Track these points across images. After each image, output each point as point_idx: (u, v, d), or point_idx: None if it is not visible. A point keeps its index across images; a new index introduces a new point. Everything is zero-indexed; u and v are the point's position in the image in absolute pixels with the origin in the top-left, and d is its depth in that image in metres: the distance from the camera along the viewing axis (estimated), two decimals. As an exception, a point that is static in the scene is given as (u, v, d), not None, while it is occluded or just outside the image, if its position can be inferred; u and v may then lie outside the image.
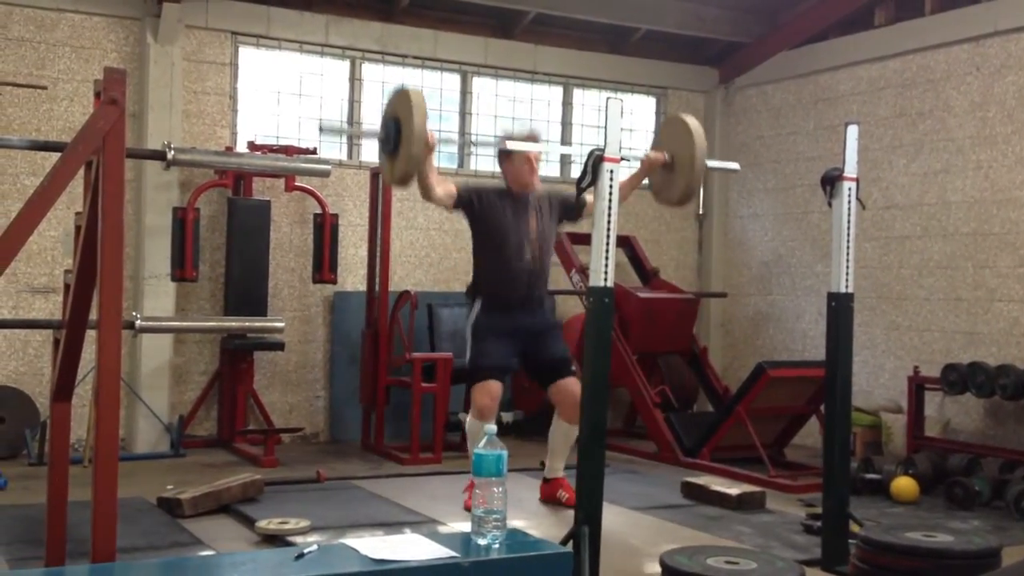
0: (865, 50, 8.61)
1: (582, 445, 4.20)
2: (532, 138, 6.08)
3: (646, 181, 5.77)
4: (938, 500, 6.43)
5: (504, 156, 5.89)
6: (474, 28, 8.99)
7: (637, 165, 5.55)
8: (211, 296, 7.97)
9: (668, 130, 5.51)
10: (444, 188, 5.71)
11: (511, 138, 5.95)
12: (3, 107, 7.37)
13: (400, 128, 5.05)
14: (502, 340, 5.75)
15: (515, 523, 4.98)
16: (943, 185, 8.00)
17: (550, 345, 5.91)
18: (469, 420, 5.85)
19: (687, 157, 5.23)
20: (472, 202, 5.77)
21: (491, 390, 5.67)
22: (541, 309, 5.95)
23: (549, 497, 6.06)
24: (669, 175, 5.35)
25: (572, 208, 5.87)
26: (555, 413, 5.97)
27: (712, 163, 5.70)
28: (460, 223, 8.78)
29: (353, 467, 7.18)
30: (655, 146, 5.55)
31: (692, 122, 5.24)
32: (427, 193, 5.59)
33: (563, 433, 5.92)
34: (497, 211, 5.77)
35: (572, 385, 5.77)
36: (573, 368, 5.87)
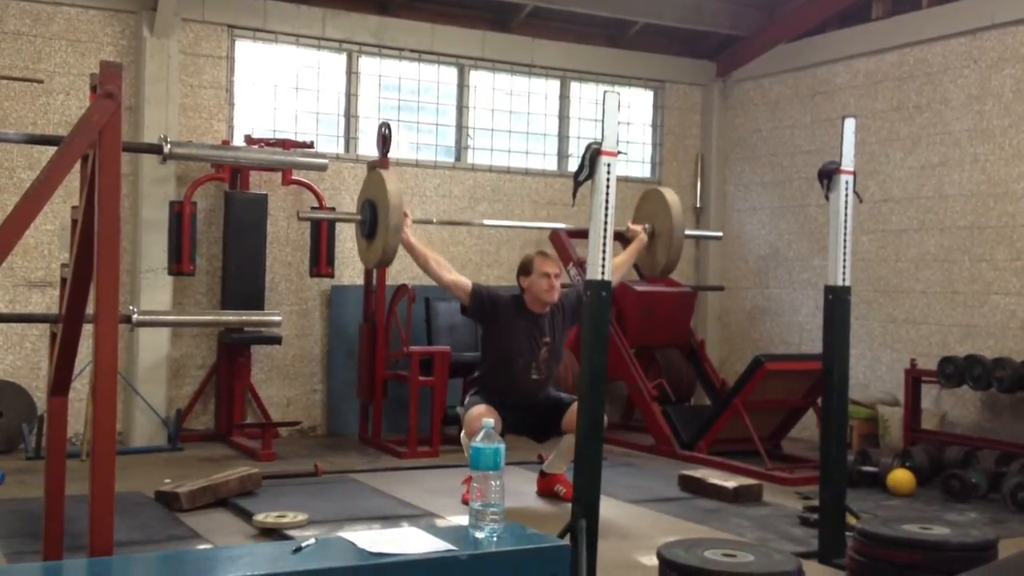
0: (862, 43, 8.60)
1: (580, 438, 4.21)
2: (553, 265, 5.88)
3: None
4: (935, 493, 6.45)
5: (524, 270, 5.83)
6: (471, 21, 8.97)
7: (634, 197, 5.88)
8: (208, 290, 7.96)
9: (647, 202, 5.87)
10: (456, 277, 5.70)
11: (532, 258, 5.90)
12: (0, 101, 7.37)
13: (376, 208, 5.16)
14: (499, 405, 5.71)
15: (513, 517, 4.99)
16: (940, 178, 8.00)
17: (548, 400, 5.88)
18: (463, 437, 5.88)
19: (666, 231, 5.63)
20: (485, 309, 5.71)
21: (485, 412, 5.56)
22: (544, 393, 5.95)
23: (546, 491, 6.07)
24: (650, 247, 5.77)
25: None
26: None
27: (691, 232, 6.13)
28: (457, 217, 8.82)
29: (351, 461, 7.19)
30: (636, 216, 5.90)
31: (669, 195, 5.67)
32: (427, 268, 5.60)
33: (568, 440, 5.91)
34: (510, 328, 5.70)
35: (569, 416, 5.69)
36: (574, 398, 5.87)
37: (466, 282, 5.72)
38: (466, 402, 5.92)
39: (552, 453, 6.10)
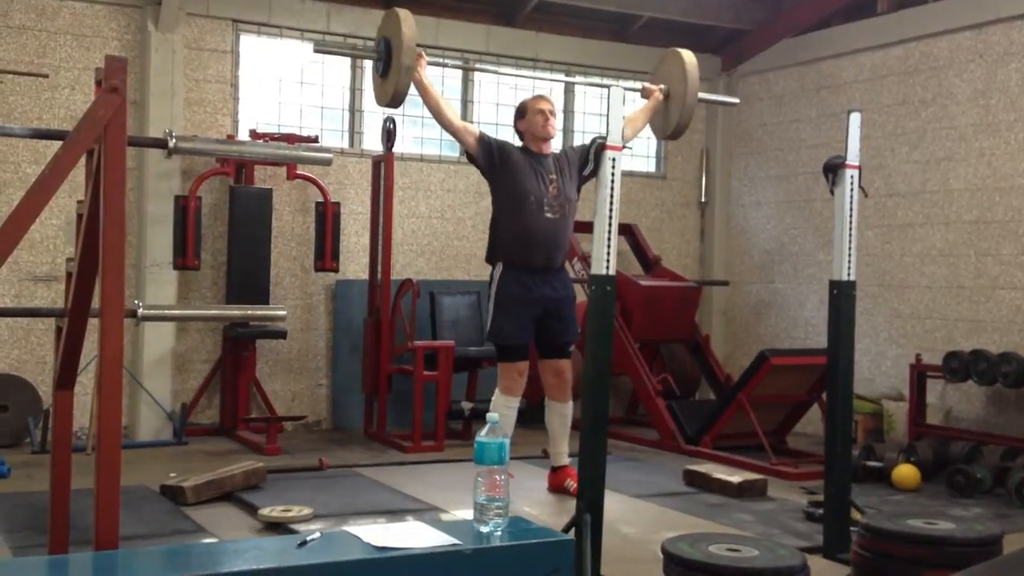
0: (868, 37, 8.58)
1: (584, 433, 4.21)
2: (547, 102, 5.91)
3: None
4: (939, 488, 6.44)
5: (519, 114, 5.86)
6: (476, 16, 8.97)
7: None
8: (213, 284, 7.97)
9: (665, 64, 5.82)
10: (465, 124, 5.74)
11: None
12: (5, 95, 7.37)
13: (390, 45, 5.12)
14: (524, 313, 5.70)
15: (519, 511, 5.00)
16: (945, 173, 7.98)
17: (563, 325, 5.86)
18: (496, 394, 5.84)
19: (680, 91, 5.60)
20: (492, 151, 5.67)
21: (519, 369, 5.75)
22: (560, 275, 5.88)
23: (557, 487, 6.02)
24: (664, 108, 5.74)
25: (587, 155, 5.57)
26: (546, 396, 5.95)
27: (704, 96, 6.02)
28: (462, 211, 8.82)
29: (355, 455, 7.20)
30: (653, 79, 5.85)
31: (687, 56, 5.60)
32: (438, 111, 5.55)
33: (557, 414, 5.92)
34: (518, 168, 5.68)
35: (561, 365, 5.83)
36: (570, 351, 5.90)
37: (474, 128, 5.75)
38: (489, 315, 5.79)
39: (550, 442, 6.07)
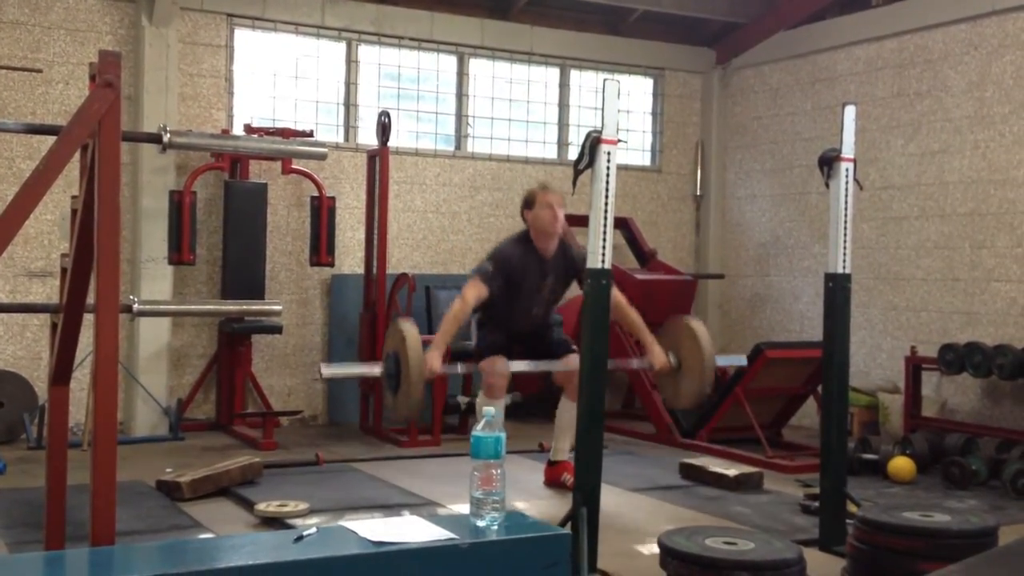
0: (863, 30, 8.58)
1: (580, 427, 4.21)
2: (556, 196, 5.81)
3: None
4: (935, 480, 6.45)
5: (527, 204, 5.81)
6: (470, 9, 8.95)
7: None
8: (208, 279, 7.96)
9: (670, 332, 5.58)
10: (475, 297, 5.57)
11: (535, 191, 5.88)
12: (-2, 90, 7.35)
13: (399, 360, 5.09)
14: (504, 336, 5.84)
15: (514, 505, 5.00)
16: (940, 165, 7.99)
17: (549, 336, 5.96)
18: (480, 397, 5.89)
19: (696, 365, 5.32)
20: (500, 282, 5.64)
21: (498, 368, 5.69)
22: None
23: (554, 480, 6.04)
24: (675, 379, 5.48)
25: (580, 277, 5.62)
26: (562, 395, 5.97)
27: (723, 360, 5.87)
28: (457, 205, 8.82)
29: (352, 450, 7.20)
30: (659, 340, 5.59)
31: (699, 329, 5.39)
32: (462, 319, 5.54)
33: (569, 413, 5.90)
34: (517, 275, 5.68)
35: (575, 361, 5.76)
36: (574, 347, 5.88)
37: (481, 289, 5.59)
38: (474, 336, 5.96)
39: (554, 436, 6.09)
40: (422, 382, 5.07)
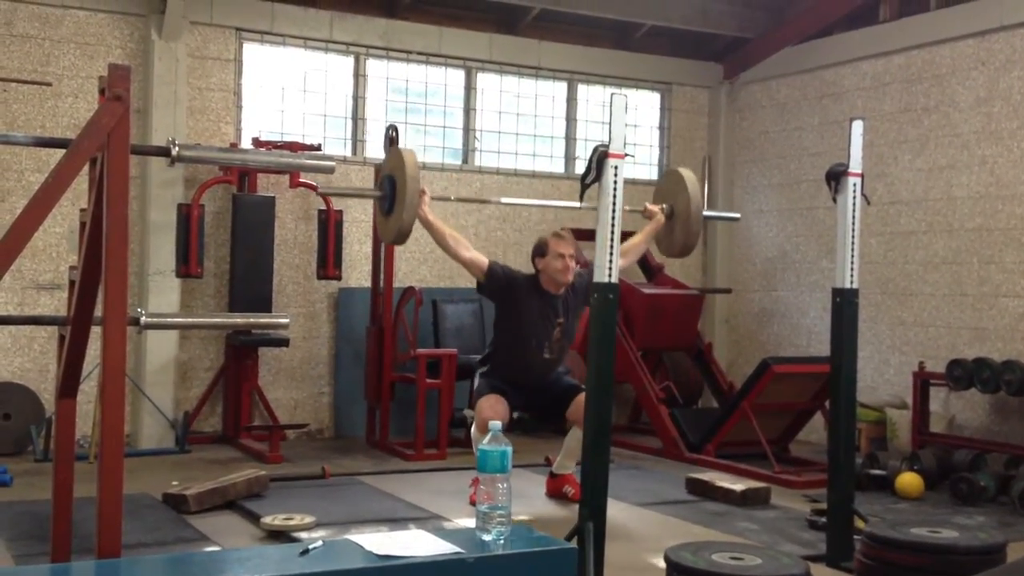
0: (870, 45, 8.59)
1: (587, 441, 4.20)
2: (568, 243, 5.81)
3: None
4: (943, 496, 6.43)
5: (539, 251, 5.83)
6: (478, 24, 8.98)
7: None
8: (216, 292, 7.98)
9: (666, 182, 5.88)
10: (473, 254, 5.66)
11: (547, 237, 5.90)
12: (8, 103, 7.38)
13: (395, 183, 5.13)
14: (508, 384, 5.79)
15: (520, 519, 4.98)
16: (948, 181, 7.98)
17: (558, 383, 5.91)
18: (473, 431, 5.87)
19: (684, 209, 5.64)
20: (501, 287, 5.70)
21: (495, 404, 5.63)
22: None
23: (555, 492, 6.06)
24: (669, 227, 5.78)
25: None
26: (573, 425, 5.94)
27: (708, 213, 6.10)
28: (464, 219, 8.83)
29: (358, 463, 7.19)
30: (656, 198, 5.90)
31: (687, 174, 5.66)
32: (445, 245, 5.56)
33: (577, 438, 5.88)
34: (524, 306, 5.70)
35: (579, 399, 5.66)
36: (583, 387, 5.87)
37: (483, 259, 5.69)
38: (476, 384, 5.95)
39: (560, 452, 6.09)
40: (415, 206, 5.07)
